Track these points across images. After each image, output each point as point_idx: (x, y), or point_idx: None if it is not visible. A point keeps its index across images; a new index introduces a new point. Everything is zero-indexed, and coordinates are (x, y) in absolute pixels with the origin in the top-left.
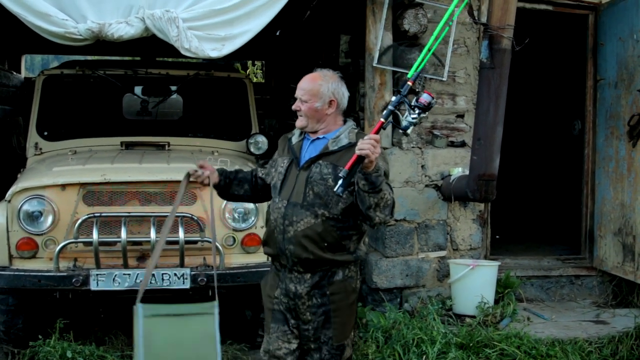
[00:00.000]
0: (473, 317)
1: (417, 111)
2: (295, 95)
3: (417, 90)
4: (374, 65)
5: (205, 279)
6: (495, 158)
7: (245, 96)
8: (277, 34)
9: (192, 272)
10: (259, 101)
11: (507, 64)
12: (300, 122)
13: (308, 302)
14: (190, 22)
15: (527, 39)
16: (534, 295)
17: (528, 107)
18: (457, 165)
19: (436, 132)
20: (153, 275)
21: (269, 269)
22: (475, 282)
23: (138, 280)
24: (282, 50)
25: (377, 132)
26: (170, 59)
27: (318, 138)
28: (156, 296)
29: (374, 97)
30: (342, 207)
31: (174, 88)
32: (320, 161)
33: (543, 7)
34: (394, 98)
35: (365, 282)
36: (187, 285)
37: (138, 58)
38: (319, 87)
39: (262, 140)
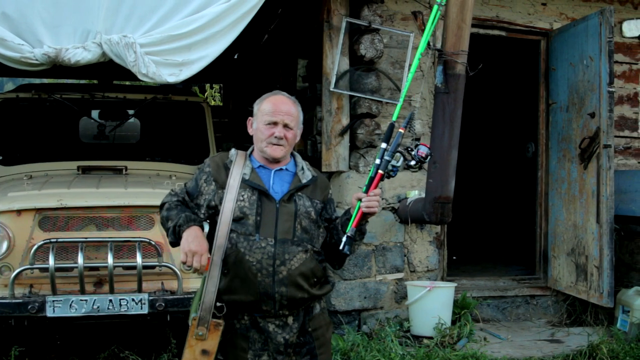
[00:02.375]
0: (430, 338)
1: (417, 164)
2: (275, 120)
3: (410, 131)
4: (331, 89)
5: (163, 304)
6: (451, 181)
7: (202, 120)
8: (236, 57)
9: (150, 297)
10: (217, 124)
11: (462, 89)
12: (281, 152)
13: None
14: (148, 47)
15: (481, 65)
16: (490, 315)
17: (483, 131)
18: (413, 188)
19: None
20: (110, 300)
21: None
22: (432, 304)
23: (95, 306)
24: (240, 73)
25: (377, 186)
26: (128, 82)
27: (281, 169)
28: (114, 322)
29: (331, 121)
30: (321, 240)
31: (131, 112)
32: (300, 193)
33: (496, 32)
34: (383, 145)
35: None
36: (145, 311)
37: (96, 81)
38: (299, 113)
39: None
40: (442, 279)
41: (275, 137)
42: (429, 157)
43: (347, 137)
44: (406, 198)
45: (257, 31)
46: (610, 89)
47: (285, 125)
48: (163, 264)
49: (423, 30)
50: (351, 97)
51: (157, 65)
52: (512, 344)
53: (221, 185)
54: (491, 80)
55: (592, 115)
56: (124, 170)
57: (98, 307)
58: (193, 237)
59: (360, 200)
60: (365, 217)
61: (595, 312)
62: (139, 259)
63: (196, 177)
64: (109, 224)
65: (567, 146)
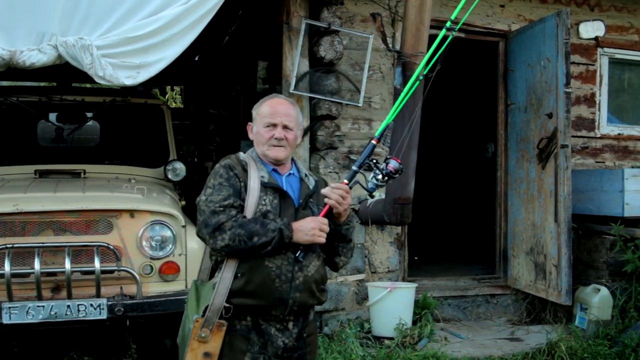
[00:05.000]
0: (391, 338)
1: (385, 178)
2: (274, 122)
3: (383, 144)
4: (291, 91)
5: (122, 309)
6: (411, 182)
7: (162, 122)
8: (196, 59)
9: (109, 302)
10: (177, 127)
11: (421, 90)
12: (283, 153)
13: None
14: (105, 49)
15: (440, 66)
16: (451, 315)
17: (444, 132)
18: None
19: (353, 156)
20: (68, 306)
21: (184, 297)
22: (393, 304)
23: (53, 312)
24: (201, 75)
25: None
26: (88, 85)
27: (290, 174)
28: (72, 328)
29: None
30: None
31: (89, 115)
32: (311, 200)
33: (456, 34)
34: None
35: None
36: (104, 316)
37: (54, 84)
38: (298, 114)
39: (180, 167)
40: (403, 280)
41: (276, 138)
42: (398, 173)
43: (307, 139)
44: (366, 199)
45: (218, 33)
46: (567, 90)
47: (285, 127)
48: (122, 268)
49: (382, 32)
50: (311, 98)
51: (114, 68)
52: (473, 343)
53: (245, 186)
54: (451, 82)
55: (550, 115)
56: (82, 174)
57: (56, 313)
58: (301, 226)
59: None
60: (333, 214)
61: (554, 310)
62: (97, 264)
63: (229, 183)
64: (66, 229)
65: (525, 146)
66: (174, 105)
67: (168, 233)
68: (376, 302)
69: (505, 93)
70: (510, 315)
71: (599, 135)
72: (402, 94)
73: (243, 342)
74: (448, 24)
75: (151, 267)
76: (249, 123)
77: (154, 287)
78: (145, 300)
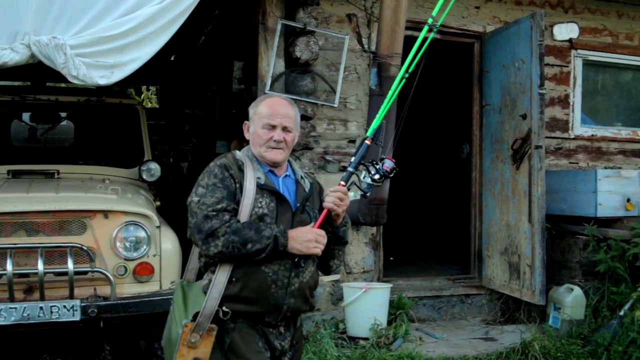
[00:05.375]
0: (366, 339)
1: (381, 178)
2: (273, 123)
3: (377, 144)
4: (267, 91)
5: (96, 310)
6: (386, 183)
7: (137, 123)
8: (172, 59)
9: (83, 304)
10: (153, 127)
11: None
12: (281, 156)
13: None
14: (78, 49)
15: (420, 65)
16: (426, 315)
17: (419, 132)
18: (349, 191)
19: (328, 157)
20: (41, 308)
21: (159, 298)
22: (368, 305)
23: (25, 314)
24: (176, 75)
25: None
26: (63, 85)
27: (286, 176)
28: (45, 330)
29: None
30: None
31: (64, 114)
32: (308, 203)
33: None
34: (352, 159)
35: None
36: (77, 318)
37: (28, 83)
38: (297, 115)
39: (155, 167)
40: (379, 280)
41: (274, 140)
42: (394, 172)
43: None
44: None
45: (194, 33)
46: (541, 91)
47: (284, 128)
48: (95, 269)
49: (357, 33)
50: None
51: (88, 67)
52: (448, 343)
53: (240, 187)
54: (427, 83)
55: (524, 116)
56: (56, 174)
57: (28, 314)
58: (297, 235)
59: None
60: (329, 214)
61: (528, 310)
62: (70, 265)
63: (224, 185)
64: (39, 230)
65: (500, 147)
66: (149, 105)
67: (142, 234)
68: (351, 303)
69: (480, 94)
70: (485, 315)
71: (572, 137)
72: (390, 92)
73: (251, 331)
74: (430, 20)
75: (125, 268)
76: (245, 122)
77: (128, 288)
78: (119, 302)
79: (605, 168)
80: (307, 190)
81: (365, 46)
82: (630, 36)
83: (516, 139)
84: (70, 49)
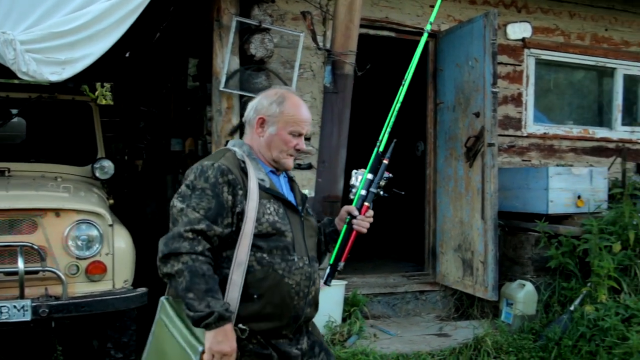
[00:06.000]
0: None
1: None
2: (302, 132)
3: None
4: (221, 89)
5: (47, 310)
6: (340, 180)
7: (90, 120)
8: (127, 55)
9: (33, 304)
10: (107, 124)
11: (350, 89)
12: (292, 163)
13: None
14: (29, 44)
15: (369, 65)
16: (381, 311)
17: (375, 130)
18: (304, 188)
19: None
20: None
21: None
22: (322, 302)
23: None
24: (131, 72)
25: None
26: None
27: (284, 175)
28: None
29: (221, 121)
30: None
31: (15, 111)
32: (307, 204)
33: (386, 33)
34: (370, 176)
35: None
36: (28, 318)
37: None
38: None
39: (109, 165)
40: (333, 277)
41: (297, 149)
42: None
43: (237, 136)
44: None
45: (149, 29)
46: (494, 90)
47: (305, 136)
48: (47, 268)
49: (312, 30)
50: (241, 96)
51: (38, 64)
52: (402, 340)
53: (245, 193)
54: (383, 80)
55: (477, 114)
56: (6, 172)
57: None
58: (223, 336)
59: (348, 223)
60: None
61: (481, 306)
62: (20, 265)
63: (214, 193)
64: None
65: (453, 145)
66: (104, 102)
67: (95, 232)
68: None
69: (435, 92)
70: (439, 311)
71: (525, 134)
72: (397, 96)
73: (265, 352)
74: (428, 27)
75: (77, 267)
76: (260, 116)
77: (81, 288)
78: (71, 301)
79: (557, 166)
80: (300, 189)
81: (321, 44)
82: (581, 36)
83: (469, 137)
84: (20, 45)
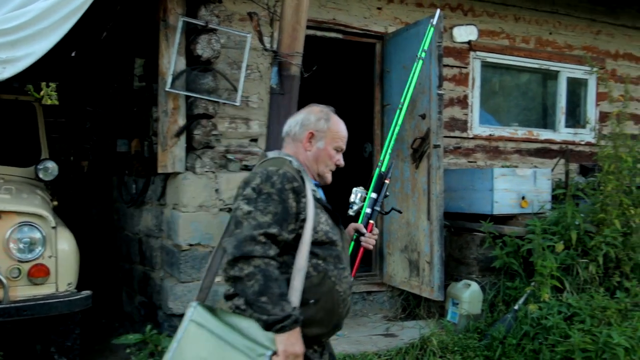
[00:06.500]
0: None
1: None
2: (343, 148)
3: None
4: (167, 89)
5: None
6: None
7: (34, 120)
8: (73, 55)
9: None
10: (53, 124)
11: (296, 90)
12: (331, 178)
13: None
14: None
15: (316, 66)
16: None
17: None
18: None
19: (230, 156)
20: None
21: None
22: None
23: None
24: (77, 71)
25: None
26: None
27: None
28: None
29: (167, 122)
30: None
31: None
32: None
33: (333, 35)
34: (374, 195)
35: (161, 308)
36: None
37: None
38: None
39: (52, 166)
40: None
41: (337, 164)
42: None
43: (183, 138)
44: None
45: (96, 28)
46: (440, 92)
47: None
48: None
49: (258, 31)
50: (187, 97)
51: None
52: (349, 340)
53: (306, 200)
54: (331, 82)
55: (423, 116)
56: None
57: None
58: (296, 338)
59: (356, 240)
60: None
61: (428, 306)
62: None
63: (280, 198)
64: None
65: (400, 146)
66: (49, 102)
67: (37, 235)
68: None
69: (382, 94)
70: (387, 311)
71: (471, 136)
72: (403, 105)
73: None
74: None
75: (19, 270)
76: (310, 131)
77: (23, 291)
78: (12, 305)
79: (502, 167)
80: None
81: (268, 45)
82: (526, 39)
83: (415, 138)
84: None
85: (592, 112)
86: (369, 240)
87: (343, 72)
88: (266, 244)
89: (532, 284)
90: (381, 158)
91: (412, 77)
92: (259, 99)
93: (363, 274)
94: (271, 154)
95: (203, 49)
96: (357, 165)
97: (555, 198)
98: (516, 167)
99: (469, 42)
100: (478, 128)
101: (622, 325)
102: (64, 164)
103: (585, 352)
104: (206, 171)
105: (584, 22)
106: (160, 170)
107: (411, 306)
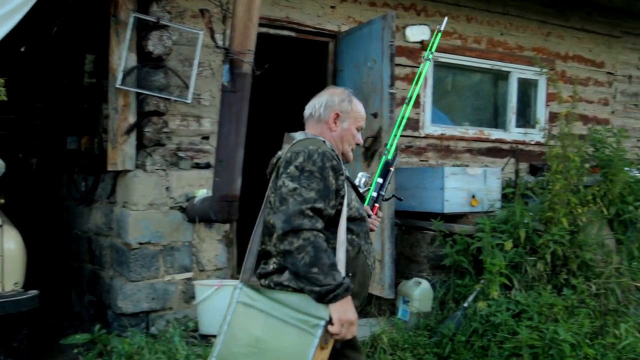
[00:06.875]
0: None
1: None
2: (363, 127)
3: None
4: (118, 86)
5: None
6: (237, 179)
7: None
8: (22, 50)
9: None
10: (1, 120)
11: (248, 88)
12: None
13: None
14: None
15: (267, 64)
16: None
17: (275, 130)
18: (202, 187)
19: (181, 153)
20: None
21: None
22: (220, 302)
23: None
24: (27, 67)
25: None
26: None
27: None
28: None
29: (117, 119)
30: None
31: None
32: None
33: (287, 33)
34: (380, 180)
35: (110, 307)
36: None
37: None
38: None
39: (0, 164)
40: (232, 277)
41: (358, 143)
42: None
43: (133, 135)
44: (194, 197)
45: (46, 23)
46: (392, 91)
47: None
48: None
49: (210, 29)
50: (138, 94)
51: None
52: None
53: (343, 177)
54: (284, 80)
55: (375, 115)
56: None
57: None
58: (348, 305)
59: None
60: None
61: (378, 304)
62: None
63: (322, 175)
64: None
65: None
66: None
67: None
68: (203, 301)
69: None
70: None
71: (423, 135)
72: (402, 112)
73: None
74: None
75: None
76: (335, 112)
77: None
78: None
79: (453, 166)
80: None
81: (220, 42)
82: (478, 40)
83: (367, 137)
84: None
85: (542, 112)
86: (374, 222)
87: (296, 70)
88: (313, 217)
89: (482, 281)
90: (387, 147)
91: (420, 76)
92: (210, 96)
93: None
94: (298, 135)
95: (154, 45)
96: None
97: (505, 197)
98: (467, 166)
99: (421, 42)
100: (430, 127)
101: (568, 322)
102: (12, 161)
103: (533, 349)
104: (157, 169)
105: (534, 24)
106: (110, 168)
107: (363, 304)
